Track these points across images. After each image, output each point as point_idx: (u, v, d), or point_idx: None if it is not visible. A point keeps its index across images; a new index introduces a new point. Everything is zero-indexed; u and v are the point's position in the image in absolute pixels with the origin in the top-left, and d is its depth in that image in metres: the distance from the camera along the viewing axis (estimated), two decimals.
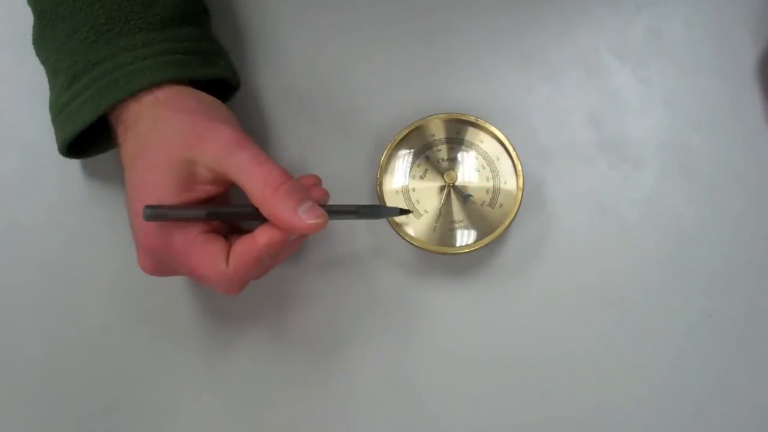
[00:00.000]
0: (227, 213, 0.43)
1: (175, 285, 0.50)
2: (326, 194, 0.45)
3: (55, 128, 0.46)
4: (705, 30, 0.53)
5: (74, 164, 0.51)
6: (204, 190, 0.42)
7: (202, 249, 0.42)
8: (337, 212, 0.44)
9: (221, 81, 0.48)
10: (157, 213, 0.41)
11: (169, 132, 0.42)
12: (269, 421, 0.48)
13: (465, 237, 0.47)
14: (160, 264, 0.43)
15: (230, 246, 0.42)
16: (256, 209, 0.41)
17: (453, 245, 0.47)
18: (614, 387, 0.48)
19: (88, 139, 0.47)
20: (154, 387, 0.49)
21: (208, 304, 0.50)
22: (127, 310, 0.50)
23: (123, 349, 0.49)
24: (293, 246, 0.45)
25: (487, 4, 0.53)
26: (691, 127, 0.51)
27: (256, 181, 0.41)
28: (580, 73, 0.52)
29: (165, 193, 0.41)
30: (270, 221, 0.41)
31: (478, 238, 0.47)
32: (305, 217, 0.41)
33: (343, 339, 0.49)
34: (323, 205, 0.43)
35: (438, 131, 0.49)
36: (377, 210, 0.46)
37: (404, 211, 0.47)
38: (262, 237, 0.41)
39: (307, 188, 0.44)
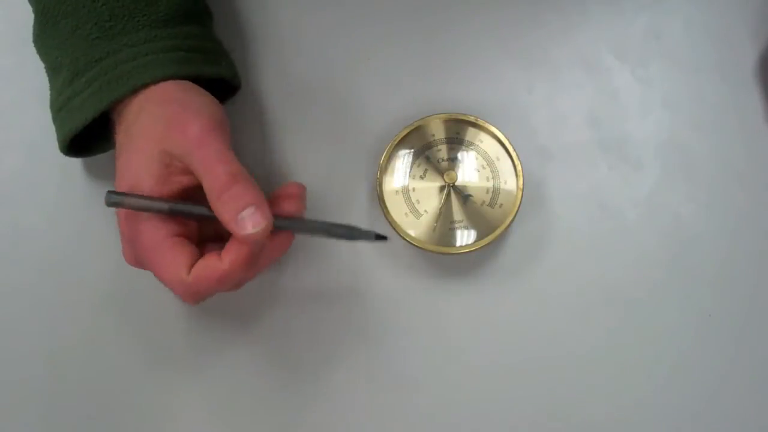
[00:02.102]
0: (190, 212, 0.41)
1: None
2: (300, 209, 0.43)
3: (55, 126, 0.46)
4: (705, 30, 0.53)
5: (75, 164, 0.51)
6: (179, 182, 0.42)
7: (167, 252, 0.41)
8: (309, 229, 0.43)
9: (222, 81, 0.48)
10: (115, 200, 0.40)
11: (147, 123, 0.42)
12: (265, 422, 0.48)
13: (465, 237, 0.47)
14: (136, 256, 0.43)
15: (199, 255, 0.41)
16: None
17: (453, 245, 0.47)
18: (614, 387, 0.48)
19: (89, 137, 0.47)
20: (153, 387, 0.49)
21: (208, 304, 0.49)
22: (128, 310, 0.49)
23: (123, 348, 0.49)
24: (264, 263, 0.43)
25: (487, 4, 0.53)
26: (691, 127, 0.51)
27: (210, 181, 0.40)
28: (580, 73, 0.52)
29: (143, 184, 0.41)
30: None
31: (478, 238, 0.47)
32: (244, 223, 0.39)
33: (342, 338, 0.49)
34: (291, 219, 0.42)
35: (438, 131, 0.49)
36: (351, 232, 0.42)
37: (380, 237, 0.43)
38: (226, 259, 0.40)
39: (277, 197, 0.43)
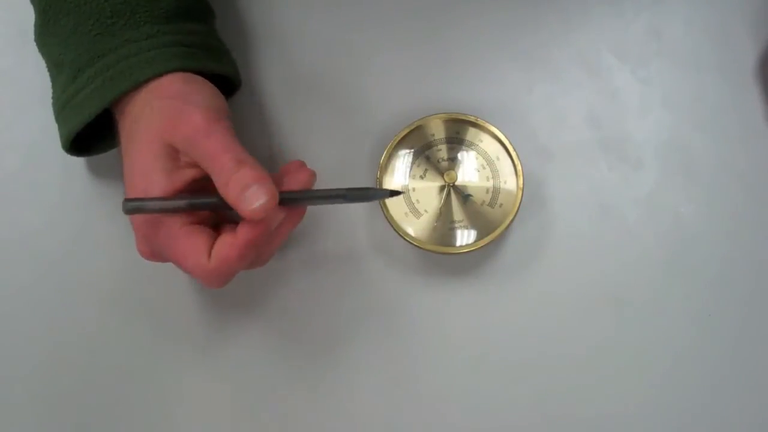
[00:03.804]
0: (208, 204, 0.42)
1: (178, 282, 0.50)
2: (311, 176, 0.44)
3: (59, 124, 0.46)
4: (705, 30, 0.53)
5: (76, 164, 0.51)
6: (189, 174, 0.42)
7: (185, 241, 0.41)
8: (324, 197, 0.43)
9: (223, 79, 0.48)
10: (135, 206, 0.40)
11: (151, 118, 0.42)
12: (268, 419, 0.48)
13: (465, 237, 0.47)
14: (154, 250, 0.44)
15: (216, 238, 0.42)
16: None
17: (453, 245, 0.47)
18: (614, 387, 0.48)
19: (92, 136, 0.47)
20: (155, 384, 0.49)
21: (208, 300, 0.50)
22: (129, 309, 0.50)
23: (126, 348, 0.49)
24: (280, 236, 0.44)
25: (488, 4, 0.53)
26: (691, 127, 0.51)
27: (218, 170, 0.40)
28: (580, 73, 0.52)
29: (153, 179, 0.41)
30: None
31: (478, 238, 0.47)
32: (249, 200, 0.39)
33: (341, 338, 0.49)
34: (307, 191, 0.42)
35: (438, 131, 0.49)
36: (366, 192, 0.43)
37: (394, 193, 0.44)
38: (242, 233, 0.41)
39: (285, 173, 0.43)
